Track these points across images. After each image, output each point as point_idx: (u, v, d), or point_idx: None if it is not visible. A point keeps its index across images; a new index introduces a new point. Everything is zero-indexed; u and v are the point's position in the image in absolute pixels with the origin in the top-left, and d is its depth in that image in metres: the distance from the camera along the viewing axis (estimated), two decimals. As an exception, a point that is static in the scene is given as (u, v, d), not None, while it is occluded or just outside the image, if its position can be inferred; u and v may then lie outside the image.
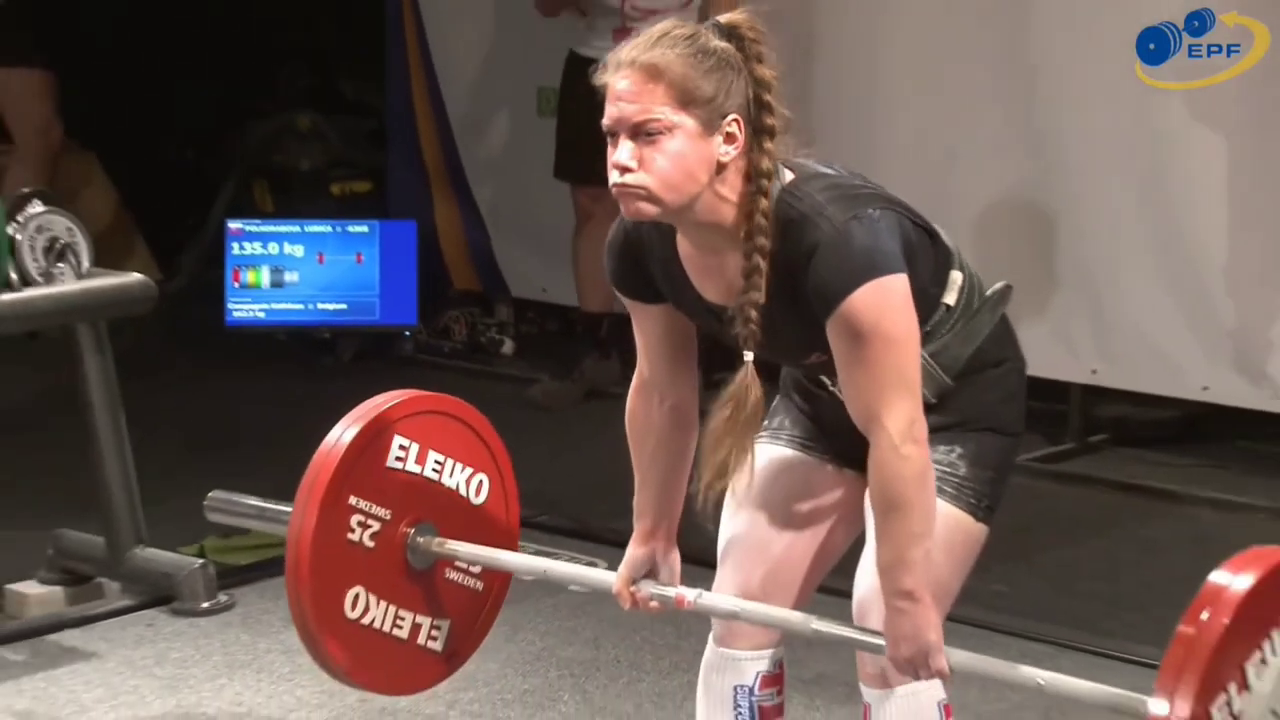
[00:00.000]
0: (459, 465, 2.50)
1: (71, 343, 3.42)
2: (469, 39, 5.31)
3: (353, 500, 2.39)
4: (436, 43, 5.30)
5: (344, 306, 4.68)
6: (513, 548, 2.53)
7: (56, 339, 4.15)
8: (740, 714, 2.29)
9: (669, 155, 1.74)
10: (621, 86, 1.75)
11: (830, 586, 2.06)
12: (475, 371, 5.02)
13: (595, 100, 2.07)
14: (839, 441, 2.00)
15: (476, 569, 2.46)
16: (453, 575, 2.50)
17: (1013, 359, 2.03)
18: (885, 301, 1.75)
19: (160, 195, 5.98)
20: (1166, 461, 4.11)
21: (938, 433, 1.88)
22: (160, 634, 3.33)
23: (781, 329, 1.81)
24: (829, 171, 1.80)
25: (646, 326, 1.97)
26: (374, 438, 2.41)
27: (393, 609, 2.46)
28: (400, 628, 2.46)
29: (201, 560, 3.44)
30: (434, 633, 2.49)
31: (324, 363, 4.73)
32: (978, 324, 1.93)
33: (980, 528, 1.92)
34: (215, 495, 2.78)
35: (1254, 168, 3.98)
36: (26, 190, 3.44)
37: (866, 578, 1.89)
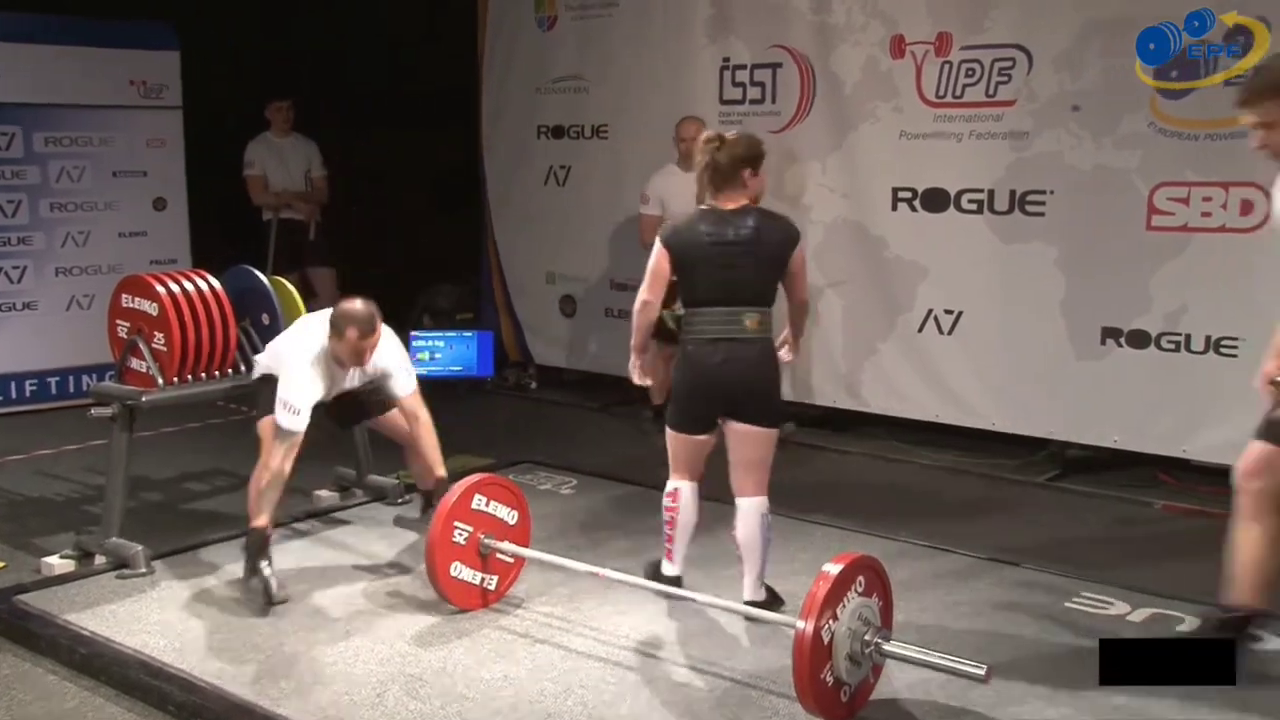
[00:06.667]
0: (502, 505, 4.17)
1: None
2: (518, 244, 8.01)
3: (456, 523, 4.02)
4: (504, 245, 8.10)
5: (460, 368, 7.59)
6: (526, 543, 4.21)
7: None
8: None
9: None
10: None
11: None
12: (517, 397, 7.75)
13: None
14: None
15: (510, 557, 4.18)
16: (499, 556, 4.15)
17: None
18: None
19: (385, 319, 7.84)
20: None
21: None
22: (380, 511, 5.31)
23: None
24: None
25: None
26: (467, 495, 4.09)
27: (471, 571, 4.07)
28: (474, 579, 4.09)
29: (396, 481, 5.32)
30: (489, 583, 4.15)
31: (457, 393, 7.23)
32: None
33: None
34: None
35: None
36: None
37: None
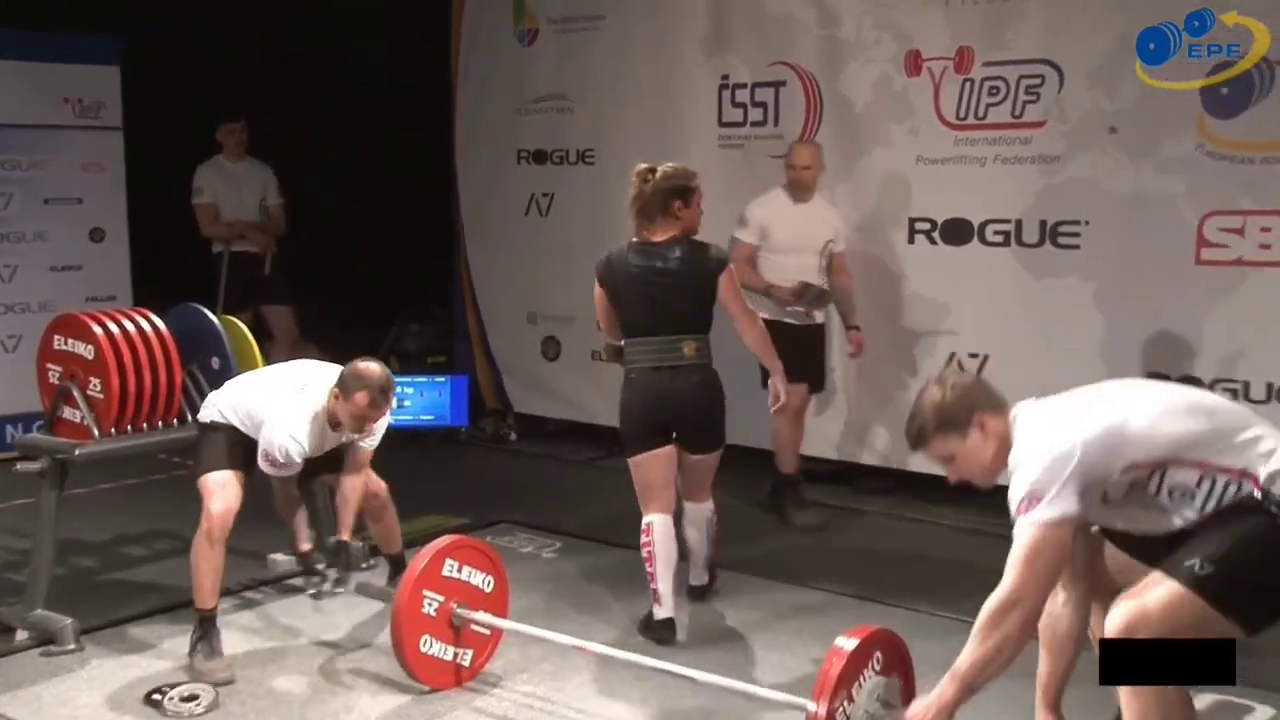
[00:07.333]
0: (477, 571, 3.93)
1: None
2: (495, 280, 7.71)
3: (425, 592, 3.79)
4: (480, 281, 7.76)
5: (432, 416, 7.27)
6: (503, 613, 3.97)
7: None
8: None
9: None
10: None
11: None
12: (495, 449, 7.51)
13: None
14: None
15: (486, 630, 3.94)
16: (474, 628, 3.90)
17: None
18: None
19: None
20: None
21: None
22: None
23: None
24: None
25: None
26: (436, 560, 3.85)
27: (442, 645, 3.86)
28: (446, 654, 3.86)
29: (360, 544, 4.85)
30: (463, 658, 3.92)
31: (429, 445, 7.04)
32: None
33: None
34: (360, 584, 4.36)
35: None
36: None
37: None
